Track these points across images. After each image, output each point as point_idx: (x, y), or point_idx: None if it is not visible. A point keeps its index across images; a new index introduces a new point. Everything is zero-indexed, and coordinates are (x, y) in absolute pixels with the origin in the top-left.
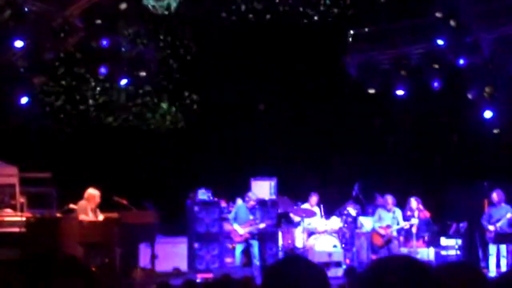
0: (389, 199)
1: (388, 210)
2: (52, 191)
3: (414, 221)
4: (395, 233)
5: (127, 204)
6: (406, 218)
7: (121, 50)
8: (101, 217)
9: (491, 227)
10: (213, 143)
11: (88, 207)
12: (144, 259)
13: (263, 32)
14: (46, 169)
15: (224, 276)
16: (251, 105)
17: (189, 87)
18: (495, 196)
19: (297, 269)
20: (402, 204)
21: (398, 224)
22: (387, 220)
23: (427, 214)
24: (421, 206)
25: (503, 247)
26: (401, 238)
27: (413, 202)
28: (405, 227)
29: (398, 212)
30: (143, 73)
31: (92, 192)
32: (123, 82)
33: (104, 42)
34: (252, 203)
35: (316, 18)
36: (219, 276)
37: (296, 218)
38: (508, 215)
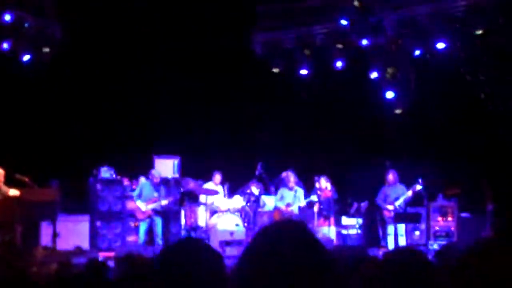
0: (291, 177)
1: (290, 189)
2: None
3: (314, 198)
4: (296, 211)
5: (28, 181)
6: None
7: (24, 26)
8: (14, 191)
9: (389, 207)
10: (116, 120)
11: None
12: (45, 238)
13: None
14: None
15: (128, 254)
16: (154, 81)
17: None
18: (391, 176)
19: (191, 253)
20: (307, 182)
21: (299, 201)
22: (289, 198)
23: (329, 193)
24: (329, 186)
25: (401, 226)
26: (308, 215)
27: (323, 181)
28: (302, 205)
29: (300, 191)
30: (46, 49)
31: None
32: (26, 58)
33: (7, 17)
34: (156, 180)
35: None
36: (121, 255)
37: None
38: (409, 193)
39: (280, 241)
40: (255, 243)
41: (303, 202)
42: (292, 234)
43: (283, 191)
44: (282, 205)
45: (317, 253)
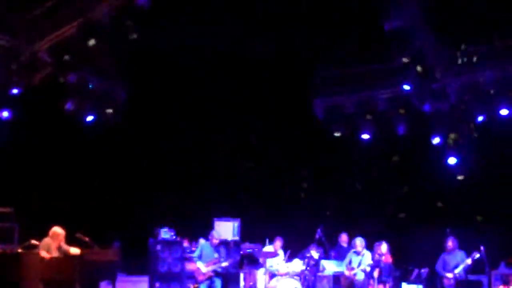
0: (358, 241)
1: (358, 253)
2: (14, 226)
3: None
4: (359, 276)
5: (89, 241)
6: (376, 261)
7: (88, 87)
8: (75, 250)
9: (449, 275)
10: (177, 183)
11: (52, 245)
12: None
13: (232, 64)
14: (8, 204)
15: None
16: (217, 145)
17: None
18: (450, 243)
19: None
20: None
21: (359, 266)
22: (354, 262)
23: (389, 258)
24: (387, 251)
25: None
26: (367, 279)
27: (384, 247)
28: (367, 270)
29: (367, 255)
30: (109, 110)
31: (58, 230)
32: (89, 118)
33: (72, 78)
34: (216, 241)
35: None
36: None
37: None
38: (468, 261)
39: None
40: None
41: (363, 266)
42: None
43: (351, 255)
44: (347, 270)
45: None
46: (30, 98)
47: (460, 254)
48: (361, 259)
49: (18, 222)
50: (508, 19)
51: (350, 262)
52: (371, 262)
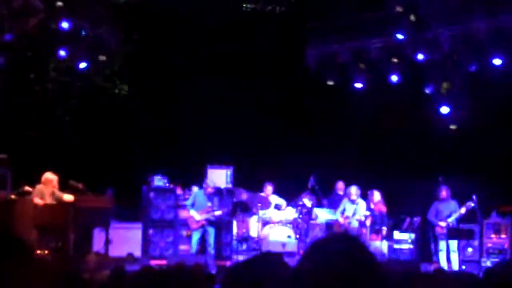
0: (353, 190)
1: (352, 202)
2: (6, 172)
3: (366, 212)
4: (353, 224)
5: (82, 188)
6: (369, 210)
7: (81, 34)
8: (69, 197)
9: (442, 223)
10: (169, 130)
11: (46, 191)
12: (98, 244)
13: (221, 20)
14: (1, 150)
15: (178, 264)
16: (208, 93)
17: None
18: (443, 192)
19: (267, 270)
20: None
21: (354, 215)
22: (349, 211)
23: (383, 208)
24: (381, 199)
25: (453, 242)
26: (360, 228)
27: (377, 195)
28: (362, 219)
29: (362, 204)
30: (103, 57)
31: (50, 176)
32: (82, 65)
33: (64, 25)
34: (210, 190)
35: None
36: (172, 263)
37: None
38: (462, 210)
39: (334, 254)
40: (308, 254)
41: (362, 216)
42: (346, 248)
43: (345, 203)
44: (341, 218)
45: (371, 267)
46: (22, 44)
47: (453, 203)
48: (356, 208)
49: (11, 168)
50: None
51: (344, 210)
52: (366, 212)
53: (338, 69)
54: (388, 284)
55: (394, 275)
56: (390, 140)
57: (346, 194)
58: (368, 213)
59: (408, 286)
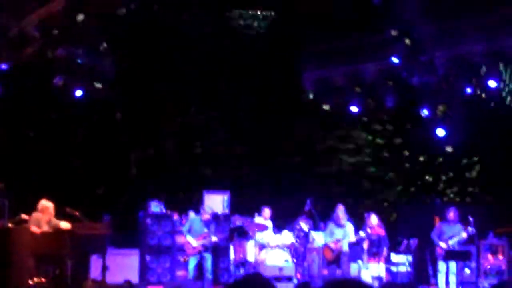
0: (340, 213)
1: (340, 225)
2: (3, 201)
3: (362, 234)
4: (345, 248)
5: (79, 215)
6: (366, 233)
7: (77, 62)
8: (66, 224)
9: (442, 244)
10: (166, 156)
11: (42, 218)
12: (95, 271)
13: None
14: None
15: None
16: (205, 118)
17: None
18: (451, 214)
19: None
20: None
21: (348, 237)
22: (338, 234)
23: (381, 231)
24: (378, 223)
25: (452, 264)
26: (357, 251)
27: (373, 218)
28: (352, 241)
29: (350, 227)
30: (98, 85)
31: (46, 204)
32: (78, 93)
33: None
34: (207, 216)
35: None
36: None
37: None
38: (464, 234)
39: None
40: None
41: (352, 238)
42: None
43: (332, 227)
44: (331, 242)
45: None
46: (18, 74)
47: (458, 226)
48: (344, 230)
49: (8, 197)
50: None
51: (331, 234)
52: (362, 234)
53: (334, 93)
54: None
55: None
56: (387, 163)
57: (333, 218)
58: (363, 234)
59: None
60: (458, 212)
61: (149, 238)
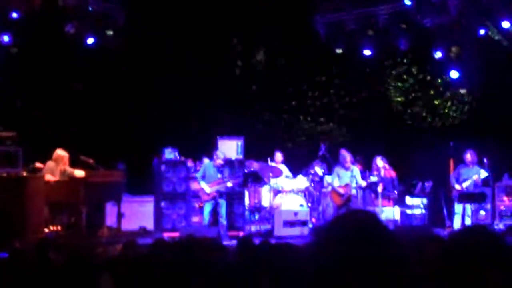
0: (347, 156)
1: (346, 168)
2: (18, 150)
3: (373, 178)
4: (354, 192)
5: (93, 163)
6: (378, 176)
7: (88, 9)
8: (80, 172)
9: (457, 186)
10: (179, 102)
11: (56, 168)
12: (110, 218)
13: None
14: (11, 128)
15: (190, 235)
16: (218, 62)
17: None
18: (468, 156)
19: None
20: (368, 163)
21: (356, 182)
22: (345, 178)
23: (392, 173)
24: (386, 165)
25: (468, 206)
26: (370, 195)
27: (379, 161)
28: (363, 185)
29: (356, 170)
30: (110, 32)
31: (61, 153)
32: (90, 41)
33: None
34: (219, 161)
35: None
36: (184, 235)
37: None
38: (475, 177)
39: (352, 232)
40: (329, 232)
41: (363, 182)
42: (361, 224)
43: (338, 170)
44: (339, 186)
45: (385, 243)
46: (30, 22)
47: (475, 168)
48: (351, 175)
49: (22, 146)
50: None
51: (338, 177)
52: (374, 178)
53: (346, 36)
54: (402, 257)
55: (407, 240)
56: (399, 106)
57: (340, 161)
58: (375, 179)
59: (422, 250)
60: (476, 155)
61: (163, 185)
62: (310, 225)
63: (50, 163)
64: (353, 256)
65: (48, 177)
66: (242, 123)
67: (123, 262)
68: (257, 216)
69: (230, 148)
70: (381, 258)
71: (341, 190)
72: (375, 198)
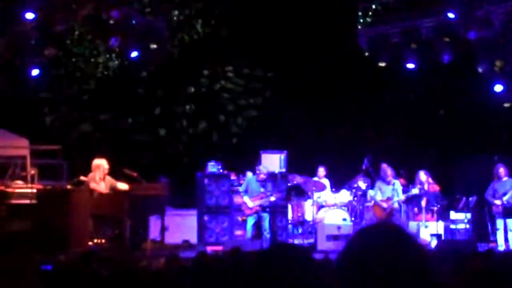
0: (388, 170)
1: (388, 183)
2: (62, 163)
3: (415, 191)
4: (396, 205)
5: (137, 176)
6: (422, 190)
7: (131, 22)
8: (124, 185)
9: (497, 202)
10: (223, 115)
11: (97, 176)
12: (154, 231)
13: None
14: (56, 143)
15: (234, 249)
16: (261, 77)
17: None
18: (501, 170)
19: (285, 258)
20: (412, 177)
21: (398, 196)
22: (387, 192)
23: (436, 187)
24: (430, 180)
25: (510, 221)
26: (413, 210)
27: (422, 175)
28: (402, 199)
29: (398, 184)
30: (153, 46)
31: (98, 161)
32: (134, 54)
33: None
34: (262, 176)
35: None
36: (229, 249)
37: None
38: None
39: (378, 242)
40: (354, 242)
41: (402, 196)
42: (391, 237)
43: (380, 184)
44: (381, 200)
45: (416, 259)
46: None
47: (509, 181)
48: (393, 189)
49: (66, 159)
50: None
51: (380, 192)
52: (415, 191)
53: (390, 50)
54: (433, 275)
55: (451, 254)
56: (444, 120)
57: (381, 176)
58: (417, 191)
59: (464, 265)
60: (507, 168)
61: (207, 198)
62: None
63: (91, 174)
64: (373, 268)
65: (93, 185)
66: (285, 137)
67: (166, 275)
68: (300, 230)
69: (273, 161)
70: (403, 268)
71: (384, 204)
72: (419, 212)
